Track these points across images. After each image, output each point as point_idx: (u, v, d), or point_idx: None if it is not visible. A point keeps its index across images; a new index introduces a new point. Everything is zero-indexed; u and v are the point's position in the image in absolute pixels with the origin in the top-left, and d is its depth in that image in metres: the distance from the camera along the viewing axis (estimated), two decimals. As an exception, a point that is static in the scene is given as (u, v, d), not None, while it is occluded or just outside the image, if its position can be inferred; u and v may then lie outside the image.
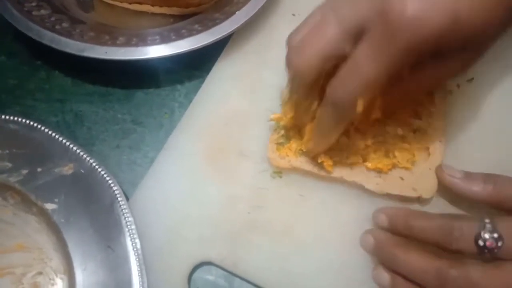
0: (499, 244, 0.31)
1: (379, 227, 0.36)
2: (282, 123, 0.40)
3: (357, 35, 0.31)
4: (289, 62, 0.34)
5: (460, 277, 0.31)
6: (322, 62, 0.32)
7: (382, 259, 0.36)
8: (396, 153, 0.39)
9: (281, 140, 0.40)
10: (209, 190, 0.40)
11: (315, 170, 0.39)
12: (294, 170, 0.40)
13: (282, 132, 0.40)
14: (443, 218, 0.34)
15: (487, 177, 0.35)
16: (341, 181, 0.39)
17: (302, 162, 0.39)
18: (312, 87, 0.34)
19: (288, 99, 0.37)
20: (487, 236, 0.31)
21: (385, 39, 0.30)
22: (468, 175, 0.36)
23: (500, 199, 0.34)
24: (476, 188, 0.35)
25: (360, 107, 0.32)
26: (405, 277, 0.34)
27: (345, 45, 0.31)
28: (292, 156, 0.40)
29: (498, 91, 0.43)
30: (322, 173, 0.39)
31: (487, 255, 0.31)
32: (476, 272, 0.31)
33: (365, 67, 0.30)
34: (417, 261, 0.33)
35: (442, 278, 0.31)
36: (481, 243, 0.31)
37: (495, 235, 0.31)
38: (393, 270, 0.34)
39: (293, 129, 0.40)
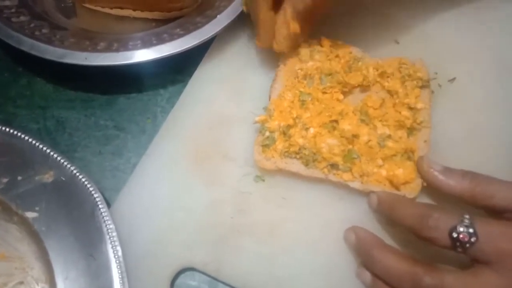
0: (472, 239, 0.31)
1: (370, 208, 0.38)
2: (267, 125, 0.40)
3: None
4: None
5: (434, 284, 0.31)
6: None
7: (362, 259, 0.36)
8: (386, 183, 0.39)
9: (267, 142, 0.40)
10: (192, 195, 0.39)
11: (300, 171, 0.39)
12: (280, 171, 0.39)
13: (267, 134, 0.40)
14: (425, 208, 0.34)
15: (465, 173, 0.35)
16: (326, 182, 0.39)
17: (288, 164, 0.39)
18: None
19: None
20: (461, 229, 0.31)
21: None
22: (447, 170, 0.36)
23: (475, 195, 0.34)
24: (453, 182, 0.35)
25: None
26: (384, 281, 0.34)
27: None
28: (278, 157, 0.39)
29: (479, 90, 0.43)
30: (308, 174, 0.39)
31: (459, 250, 0.31)
32: (451, 279, 0.31)
33: None
34: (393, 265, 0.33)
35: (416, 284, 0.32)
36: (454, 235, 0.31)
37: (470, 230, 0.31)
38: (373, 273, 0.34)
39: (278, 130, 0.40)
